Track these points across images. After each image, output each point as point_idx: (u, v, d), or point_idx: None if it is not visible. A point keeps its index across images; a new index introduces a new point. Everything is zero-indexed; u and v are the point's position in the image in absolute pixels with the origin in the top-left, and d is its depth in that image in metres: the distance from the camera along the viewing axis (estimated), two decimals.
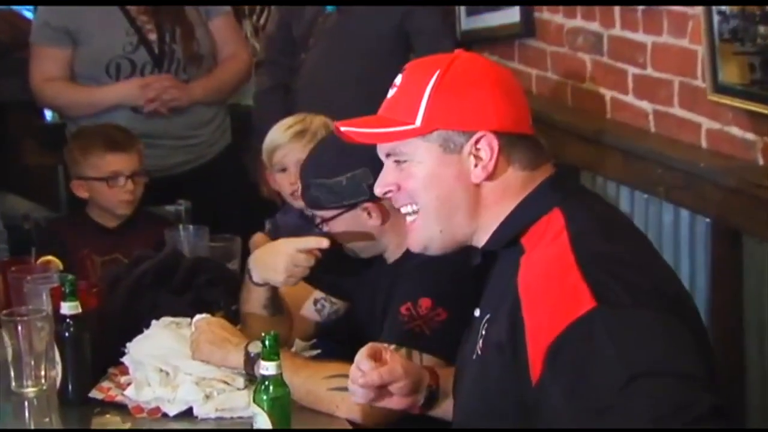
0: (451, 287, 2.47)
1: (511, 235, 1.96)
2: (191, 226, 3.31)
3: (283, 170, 3.40)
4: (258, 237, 3.55)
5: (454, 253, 2.49)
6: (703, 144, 3.14)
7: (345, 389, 2.39)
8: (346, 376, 2.41)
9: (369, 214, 2.61)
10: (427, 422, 2.30)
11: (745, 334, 2.93)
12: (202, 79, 4.10)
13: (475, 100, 1.96)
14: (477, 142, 1.95)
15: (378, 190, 2.09)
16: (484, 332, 1.96)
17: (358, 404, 2.39)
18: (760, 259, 2.78)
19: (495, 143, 1.94)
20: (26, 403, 2.55)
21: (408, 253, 2.64)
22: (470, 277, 2.40)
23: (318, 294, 2.83)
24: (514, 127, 1.97)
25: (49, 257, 3.01)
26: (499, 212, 1.98)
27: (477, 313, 2.04)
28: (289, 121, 3.45)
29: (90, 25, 3.97)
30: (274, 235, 3.57)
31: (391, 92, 2.03)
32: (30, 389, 2.55)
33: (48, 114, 5.00)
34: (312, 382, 2.40)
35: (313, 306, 2.83)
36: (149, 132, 3.95)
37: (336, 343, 2.83)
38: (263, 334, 2.19)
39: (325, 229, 2.66)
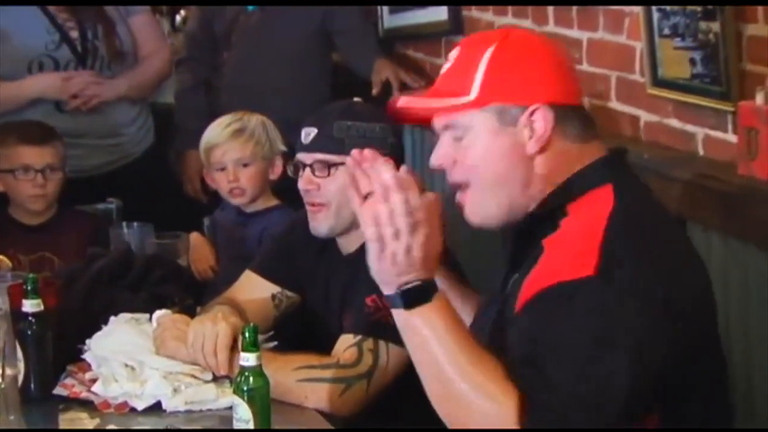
0: None
1: (560, 202, 2.00)
2: (135, 224, 3.32)
3: (222, 169, 3.43)
4: (194, 236, 3.59)
5: None
6: (642, 136, 3.22)
7: (313, 380, 2.46)
8: (314, 366, 2.48)
9: None
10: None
11: None
12: (126, 75, 4.10)
13: (530, 73, 2.00)
14: (532, 114, 1.99)
15: (434, 162, 2.08)
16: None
17: (326, 394, 2.45)
18: (704, 247, 2.86)
19: (550, 115, 1.98)
20: None
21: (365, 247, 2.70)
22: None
23: (275, 288, 2.85)
24: (566, 99, 2.03)
25: None
26: (551, 182, 2.02)
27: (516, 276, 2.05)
28: (226, 119, 3.47)
29: (9, 23, 3.95)
30: (213, 233, 3.62)
31: (445, 66, 2.08)
32: None
33: None
34: (281, 374, 2.43)
35: (272, 301, 2.85)
36: (72, 131, 3.94)
37: (291, 335, 2.88)
38: (242, 327, 2.26)
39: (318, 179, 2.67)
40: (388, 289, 1.95)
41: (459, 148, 2.05)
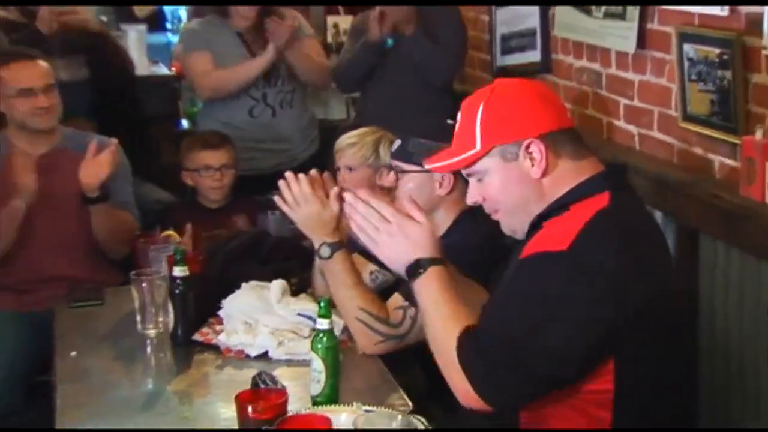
0: (469, 267, 2.47)
1: (564, 202, 1.93)
2: (278, 212, 3.30)
3: (338, 169, 3.40)
4: None
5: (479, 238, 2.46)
6: (674, 160, 3.10)
7: (364, 324, 2.42)
8: (371, 315, 2.42)
9: (441, 183, 2.59)
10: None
11: (698, 315, 2.89)
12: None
13: (517, 115, 1.93)
14: (527, 147, 1.92)
15: (469, 201, 2.07)
16: None
17: (366, 340, 2.41)
18: (712, 254, 2.76)
19: (541, 145, 1.92)
20: (148, 342, 2.59)
21: (442, 237, 2.63)
22: (485, 261, 2.40)
23: (373, 267, 2.79)
24: (553, 126, 1.94)
25: (170, 232, 3.05)
26: (558, 193, 1.95)
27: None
28: (354, 132, 3.40)
29: (218, 48, 4.01)
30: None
31: (456, 127, 2.02)
32: (151, 331, 2.60)
33: (184, 123, 5.12)
34: (350, 303, 2.42)
35: (369, 276, 2.78)
36: (257, 135, 3.99)
37: None
38: (319, 299, 2.25)
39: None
40: (400, 271, 2.00)
41: (483, 187, 2.01)
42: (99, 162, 3.14)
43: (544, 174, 1.93)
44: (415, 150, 2.59)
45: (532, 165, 1.93)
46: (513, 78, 2.11)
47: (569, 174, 1.94)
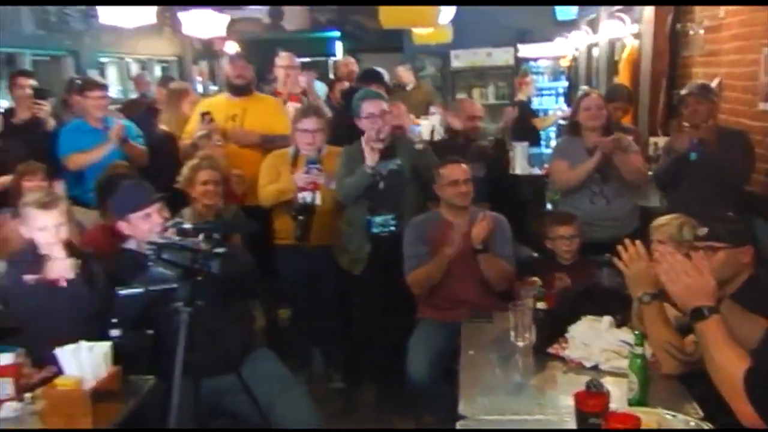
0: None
1: None
2: (608, 269, 3.14)
3: (651, 241, 3.03)
4: None
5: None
6: None
7: (669, 353, 2.20)
8: (676, 348, 2.20)
9: (744, 254, 2.33)
10: None
11: None
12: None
13: None
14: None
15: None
16: None
17: (669, 366, 2.19)
18: None
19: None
20: (518, 349, 2.56)
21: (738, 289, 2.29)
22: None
23: (676, 312, 2.48)
24: None
25: (534, 278, 3.00)
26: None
27: None
28: (665, 216, 2.98)
29: (572, 158, 3.87)
30: None
31: None
32: (520, 342, 2.56)
33: (548, 206, 5.06)
34: (660, 338, 2.22)
35: (673, 318, 2.42)
36: (596, 215, 3.79)
37: None
38: (635, 331, 2.10)
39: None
40: (687, 311, 1.84)
41: None
42: (481, 227, 3.20)
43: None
44: (724, 232, 2.34)
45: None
46: None
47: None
